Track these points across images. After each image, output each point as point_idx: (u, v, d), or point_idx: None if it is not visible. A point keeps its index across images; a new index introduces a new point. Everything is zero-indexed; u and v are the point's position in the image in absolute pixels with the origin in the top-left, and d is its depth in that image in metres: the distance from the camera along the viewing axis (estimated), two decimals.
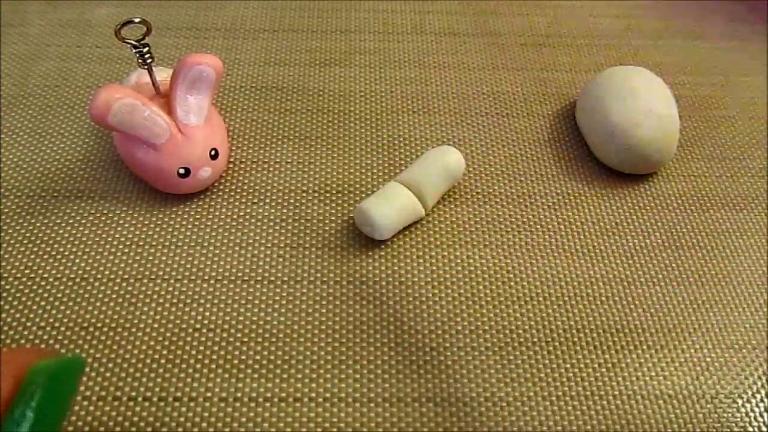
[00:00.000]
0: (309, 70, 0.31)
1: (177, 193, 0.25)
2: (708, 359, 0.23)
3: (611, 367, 0.22)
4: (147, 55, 0.23)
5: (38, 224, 0.25)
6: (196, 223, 0.25)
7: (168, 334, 0.22)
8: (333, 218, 0.26)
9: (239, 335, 0.22)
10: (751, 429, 0.21)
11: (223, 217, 0.25)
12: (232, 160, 0.27)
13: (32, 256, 0.24)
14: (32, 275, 0.23)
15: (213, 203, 0.26)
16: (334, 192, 0.26)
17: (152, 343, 0.22)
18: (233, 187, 0.26)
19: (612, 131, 0.26)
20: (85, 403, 0.20)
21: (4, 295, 0.23)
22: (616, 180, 0.28)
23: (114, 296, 0.23)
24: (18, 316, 0.22)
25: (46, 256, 0.24)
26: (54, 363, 0.14)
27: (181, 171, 0.24)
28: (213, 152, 0.24)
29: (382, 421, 0.20)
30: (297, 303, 0.23)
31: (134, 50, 0.23)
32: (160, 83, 0.24)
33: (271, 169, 0.27)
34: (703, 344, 0.23)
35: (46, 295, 0.23)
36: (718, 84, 0.33)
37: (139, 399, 0.20)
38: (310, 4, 0.35)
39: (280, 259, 0.24)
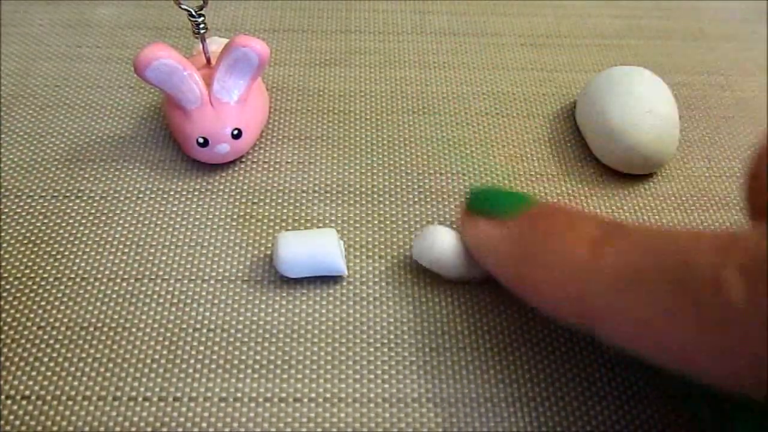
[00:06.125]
0: (309, 70, 0.31)
1: (197, 160, 0.27)
2: None
3: (612, 368, 0.22)
4: (201, 26, 0.24)
5: (38, 224, 0.25)
6: (196, 223, 0.25)
7: (168, 334, 0.22)
8: (333, 219, 0.26)
9: (239, 335, 0.22)
10: None
11: (223, 217, 0.25)
12: (232, 160, 0.27)
13: (32, 256, 0.24)
14: (32, 275, 0.23)
15: (213, 203, 0.26)
16: (334, 192, 0.26)
17: (152, 343, 0.22)
18: (233, 187, 0.26)
19: (612, 131, 0.26)
20: (85, 403, 0.20)
21: (4, 295, 0.23)
22: (616, 180, 0.28)
23: (114, 296, 0.23)
24: (18, 316, 0.22)
25: (46, 256, 0.24)
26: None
27: (200, 140, 0.25)
28: (236, 132, 0.25)
29: (381, 421, 0.20)
30: (297, 303, 0.23)
31: (190, 18, 0.24)
32: (212, 53, 0.26)
33: (271, 169, 0.27)
34: None
35: (46, 295, 0.23)
36: (718, 84, 0.33)
37: (139, 399, 0.20)
38: (310, 4, 0.35)
39: None
